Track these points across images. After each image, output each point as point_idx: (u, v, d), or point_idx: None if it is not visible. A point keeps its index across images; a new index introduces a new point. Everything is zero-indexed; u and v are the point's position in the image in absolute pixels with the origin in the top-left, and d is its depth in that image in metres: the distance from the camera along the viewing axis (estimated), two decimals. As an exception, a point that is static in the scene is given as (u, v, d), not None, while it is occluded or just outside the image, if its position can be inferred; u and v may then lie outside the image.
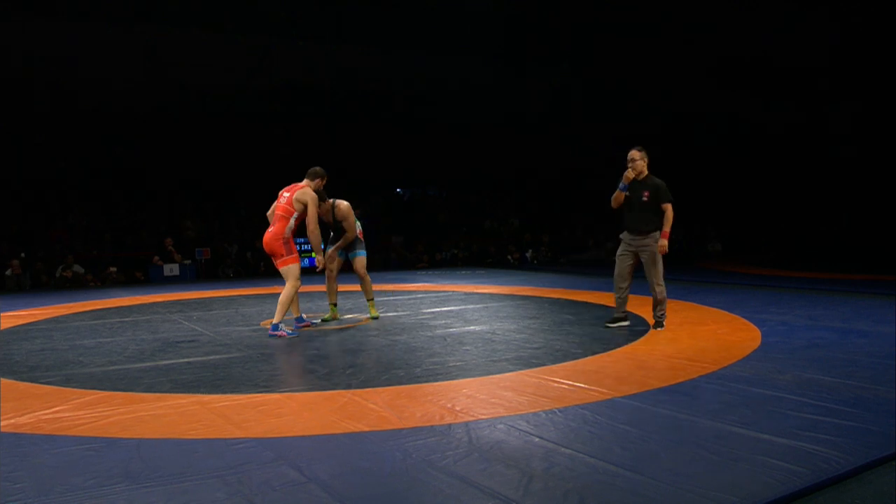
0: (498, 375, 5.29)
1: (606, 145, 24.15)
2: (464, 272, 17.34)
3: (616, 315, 7.56)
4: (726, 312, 8.47)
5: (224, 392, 4.95)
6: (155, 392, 4.99)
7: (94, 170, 19.97)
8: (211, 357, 6.36)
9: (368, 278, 8.73)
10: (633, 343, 6.56)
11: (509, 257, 20.60)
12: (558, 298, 10.60)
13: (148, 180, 20.38)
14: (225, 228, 20.06)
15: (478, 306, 9.82)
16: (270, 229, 7.49)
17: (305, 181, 7.76)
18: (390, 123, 22.99)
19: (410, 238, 21.27)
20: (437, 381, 5.16)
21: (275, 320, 7.41)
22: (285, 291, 7.41)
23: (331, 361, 6.17)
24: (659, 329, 7.20)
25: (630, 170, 7.23)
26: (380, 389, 4.91)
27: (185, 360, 6.25)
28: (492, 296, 11.27)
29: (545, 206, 24.57)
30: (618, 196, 7.32)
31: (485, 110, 23.15)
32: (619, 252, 7.44)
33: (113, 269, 16.81)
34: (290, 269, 7.39)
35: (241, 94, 20.35)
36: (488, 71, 22.10)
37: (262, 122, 21.27)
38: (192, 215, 19.73)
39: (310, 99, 21.32)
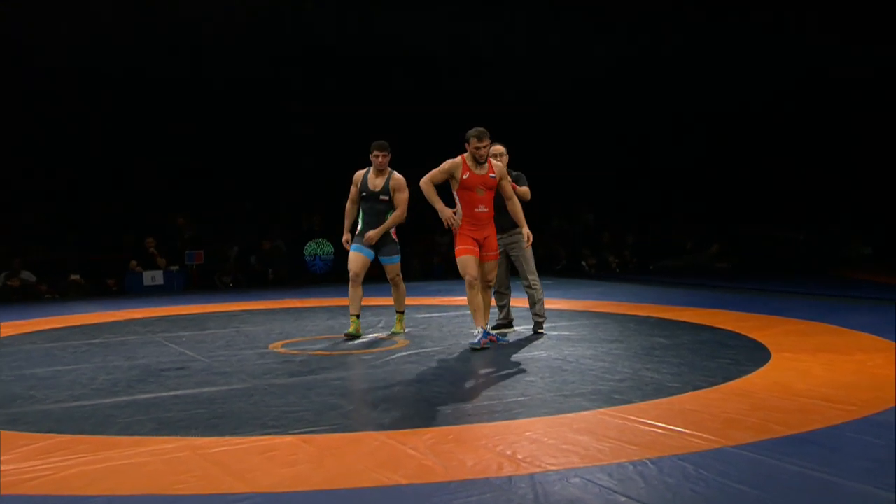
0: (570, 415, 5.27)
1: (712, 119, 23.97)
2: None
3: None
4: (879, 338, 8.24)
5: (222, 434, 4.99)
6: (132, 435, 5.03)
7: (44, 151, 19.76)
8: (205, 389, 6.43)
9: (403, 287, 9.25)
10: (749, 375, 6.49)
11: (584, 263, 20.46)
12: (647, 316, 10.52)
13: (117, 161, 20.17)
14: (224, 225, 19.99)
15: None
16: None
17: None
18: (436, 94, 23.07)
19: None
20: (492, 420, 5.17)
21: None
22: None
23: (358, 394, 6.21)
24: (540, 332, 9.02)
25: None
26: (420, 431, 4.92)
27: (172, 393, 6.32)
28: (561, 312, 11.21)
29: (625, 194, 24.22)
30: None
31: (550, 78, 23.05)
32: None
33: (76, 276, 16.81)
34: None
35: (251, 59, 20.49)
36: (553, 37, 22.07)
37: (274, 94, 21.41)
38: (182, 208, 19.69)
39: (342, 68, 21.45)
